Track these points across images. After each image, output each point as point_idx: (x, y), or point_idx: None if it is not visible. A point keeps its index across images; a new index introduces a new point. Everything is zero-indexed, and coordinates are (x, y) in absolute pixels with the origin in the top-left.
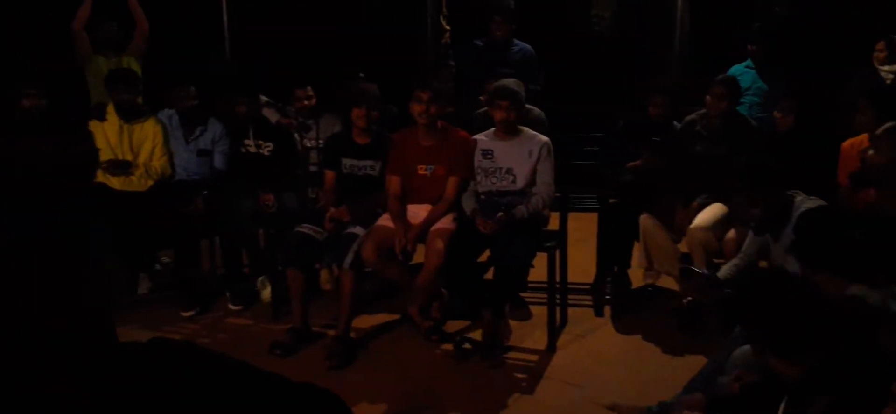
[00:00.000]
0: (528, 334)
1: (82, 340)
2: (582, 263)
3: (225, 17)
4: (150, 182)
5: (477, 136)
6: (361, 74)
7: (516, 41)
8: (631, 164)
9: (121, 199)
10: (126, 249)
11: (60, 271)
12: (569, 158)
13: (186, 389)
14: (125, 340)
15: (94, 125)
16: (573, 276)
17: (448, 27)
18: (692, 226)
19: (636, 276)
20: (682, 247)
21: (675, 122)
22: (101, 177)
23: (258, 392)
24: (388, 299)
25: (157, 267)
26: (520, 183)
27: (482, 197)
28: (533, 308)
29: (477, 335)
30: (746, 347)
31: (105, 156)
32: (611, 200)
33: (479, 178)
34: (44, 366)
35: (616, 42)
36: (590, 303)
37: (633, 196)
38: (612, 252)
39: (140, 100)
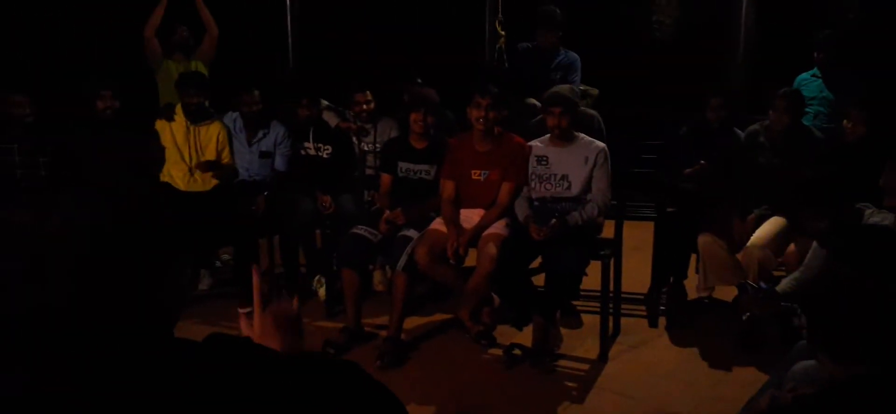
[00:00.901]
0: (580, 343)
1: (145, 336)
2: (636, 273)
3: (289, 23)
4: (214, 182)
5: (532, 143)
6: (419, 79)
7: (562, 49)
8: (688, 171)
9: (185, 197)
10: (188, 245)
11: (130, 269)
12: (626, 165)
13: (242, 385)
14: (184, 336)
15: (161, 125)
16: (627, 285)
17: (503, 32)
18: (750, 243)
19: (693, 286)
20: (740, 257)
21: (736, 130)
22: (165, 176)
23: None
24: (439, 302)
25: (218, 264)
26: (575, 190)
27: (536, 203)
28: (585, 317)
29: (527, 342)
30: (807, 362)
31: (171, 155)
32: (668, 209)
33: (533, 184)
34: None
35: (677, 47)
36: (644, 313)
37: (691, 205)
38: (669, 262)
39: (207, 103)
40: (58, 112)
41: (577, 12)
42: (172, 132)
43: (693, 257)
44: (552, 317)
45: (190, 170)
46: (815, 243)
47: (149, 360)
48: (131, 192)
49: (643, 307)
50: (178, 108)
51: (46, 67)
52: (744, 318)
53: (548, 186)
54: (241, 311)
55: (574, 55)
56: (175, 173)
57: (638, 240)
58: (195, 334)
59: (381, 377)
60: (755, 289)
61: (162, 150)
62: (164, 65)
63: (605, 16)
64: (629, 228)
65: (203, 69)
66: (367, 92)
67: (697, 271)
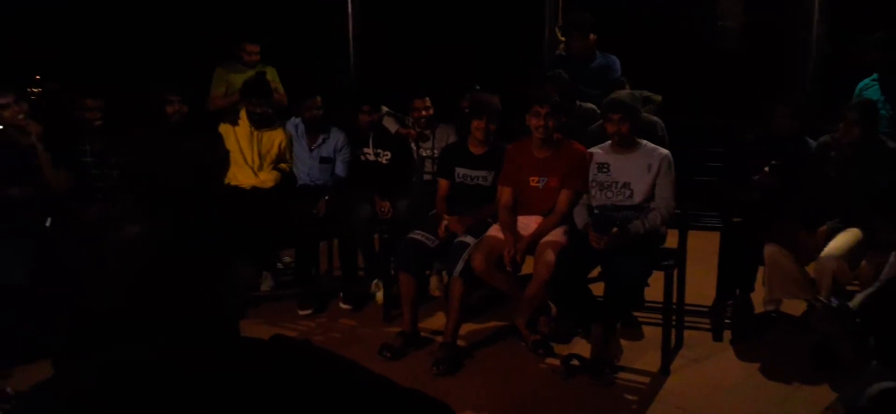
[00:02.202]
0: (640, 355)
1: (212, 335)
2: (700, 284)
3: (350, 30)
4: (278, 178)
5: (593, 150)
6: (477, 86)
7: (598, 53)
8: (756, 178)
9: (249, 199)
10: (252, 248)
11: (197, 269)
12: (690, 174)
13: (302, 386)
14: (247, 336)
15: (225, 129)
16: (691, 297)
17: (563, 38)
18: (823, 254)
19: (759, 300)
20: (810, 270)
21: (807, 139)
22: (230, 178)
23: (368, 395)
24: (495, 310)
25: (280, 266)
26: (637, 198)
27: (596, 211)
28: (646, 329)
29: (585, 352)
30: (883, 384)
31: (235, 158)
32: (735, 219)
33: (593, 191)
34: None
35: (743, 53)
36: (708, 326)
37: (758, 216)
38: (735, 274)
39: (271, 111)
40: (128, 116)
41: (641, 17)
42: (236, 136)
43: (760, 269)
44: (612, 327)
45: (254, 172)
46: (893, 255)
47: (216, 355)
48: (197, 194)
49: (707, 320)
50: (242, 113)
51: (118, 72)
52: (814, 334)
53: (609, 194)
54: (300, 312)
55: (612, 58)
56: (240, 176)
57: (702, 250)
58: (258, 334)
59: (436, 383)
60: (826, 304)
61: (227, 153)
62: (229, 78)
63: (669, 20)
64: (693, 238)
65: (272, 72)
66: (426, 98)
67: (764, 284)
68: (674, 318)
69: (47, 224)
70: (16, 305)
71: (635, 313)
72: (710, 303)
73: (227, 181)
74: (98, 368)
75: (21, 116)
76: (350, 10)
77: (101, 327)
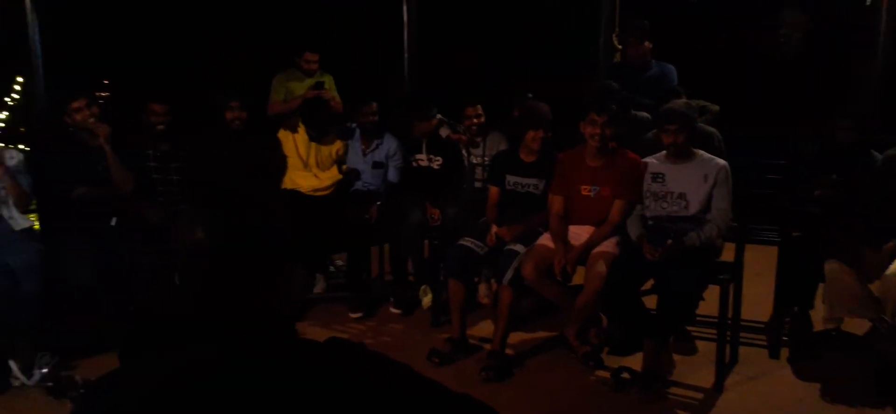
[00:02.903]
0: (693, 371)
1: (271, 336)
2: (757, 300)
3: (406, 37)
4: (337, 179)
5: (647, 159)
6: (529, 94)
7: (654, 61)
8: (818, 191)
9: (305, 203)
10: (307, 251)
11: (256, 271)
12: (747, 186)
13: (357, 388)
14: (302, 338)
15: (284, 135)
16: (747, 312)
17: (620, 47)
18: (889, 271)
19: (819, 317)
20: (874, 288)
21: (872, 151)
22: (288, 182)
23: (421, 398)
24: (545, 319)
25: (332, 269)
26: (693, 209)
27: (650, 222)
28: (700, 343)
29: (637, 366)
30: None
31: (294, 163)
32: (794, 234)
33: (647, 202)
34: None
35: (805, 62)
36: (764, 343)
37: (818, 230)
38: (793, 290)
39: (326, 128)
40: (190, 122)
41: (699, 26)
42: (295, 142)
43: (820, 286)
44: (664, 341)
45: (314, 174)
46: None
47: (276, 356)
48: (256, 198)
49: (764, 337)
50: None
51: (182, 79)
52: (878, 356)
53: (663, 205)
54: (351, 315)
55: (669, 67)
56: (298, 180)
57: (760, 265)
58: (310, 335)
59: (484, 391)
60: (892, 325)
61: (284, 158)
62: (289, 86)
63: (728, 30)
64: (751, 252)
65: (330, 82)
66: (478, 106)
67: (824, 301)
68: (729, 333)
69: (112, 223)
70: (82, 301)
71: (689, 327)
72: (766, 319)
73: (285, 185)
74: (163, 366)
75: (91, 119)
76: (406, 17)
77: (165, 326)
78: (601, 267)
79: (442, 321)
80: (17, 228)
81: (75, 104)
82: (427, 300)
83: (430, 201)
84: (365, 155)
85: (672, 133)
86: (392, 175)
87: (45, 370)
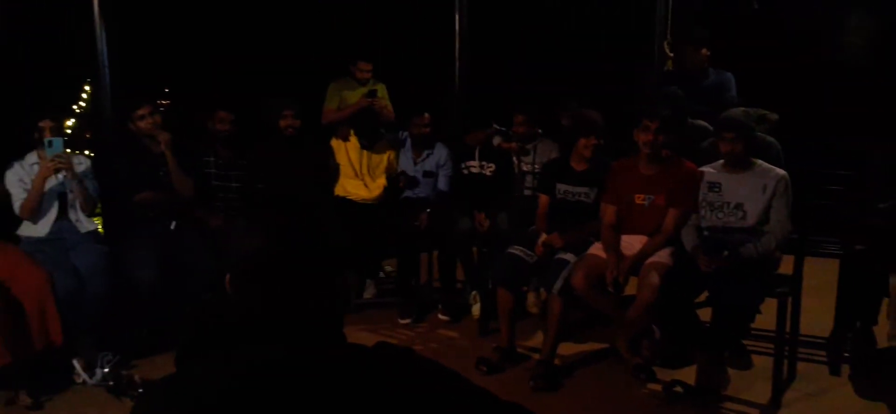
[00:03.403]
0: (749, 386)
1: (323, 340)
2: (817, 314)
3: (457, 46)
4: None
5: (704, 168)
6: (577, 102)
7: (712, 69)
8: (883, 205)
9: (356, 210)
10: (357, 256)
11: (310, 276)
12: (808, 196)
13: (407, 393)
14: (351, 342)
15: (336, 143)
16: (806, 327)
17: (671, 54)
18: None
19: (883, 334)
20: None
21: None
22: (340, 189)
23: (471, 404)
24: (595, 330)
25: (382, 275)
26: (750, 220)
27: (705, 233)
28: (756, 358)
29: (690, 379)
30: None
31: (345, 171)
32: (857, 247)
33: (703, 212)
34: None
35: (871, 69)
36: (824, 359)
37: (883, 243)
38: (856, 305)
39: (378, 136)
40: (248, 129)
41: (758, 33)
42: (347, 150)
43: (884, 301)
44: (719, 355)
45: (364, 184)
46: None
47: (328, 360)
48: (310, 204)
49: (824, 353)
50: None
51: (240, 87)
52: None
53: (720, 215)
54: (401, 320)
55: (727, 75)
56: (349, 187)
57: (820, 278)
58: (360, 340)
59: (532, 401)
60: None
61: (337, 166)
62: (343, 94)
63: (788, 36)
64: (810, 265)
65: (382, 90)
66: (526, 114)
67: (889, 317)
68: (787, 348)
69: (172, 227)
70: (142, 302)
71: (745, 341)
72: (826, 334)
73: (336, 192)
74: (220, 370)
75: (154, 127)
76: (457, 26)
77: (222, 329)
78: (654, 278)
79: (490, 329)
80: (83, 230)
81: (139, 111)
82: (476, 308)
83: (479, 209)
84: (416, 164)
85: (730, 142)
86: (442, 183)
87: (106, 369)
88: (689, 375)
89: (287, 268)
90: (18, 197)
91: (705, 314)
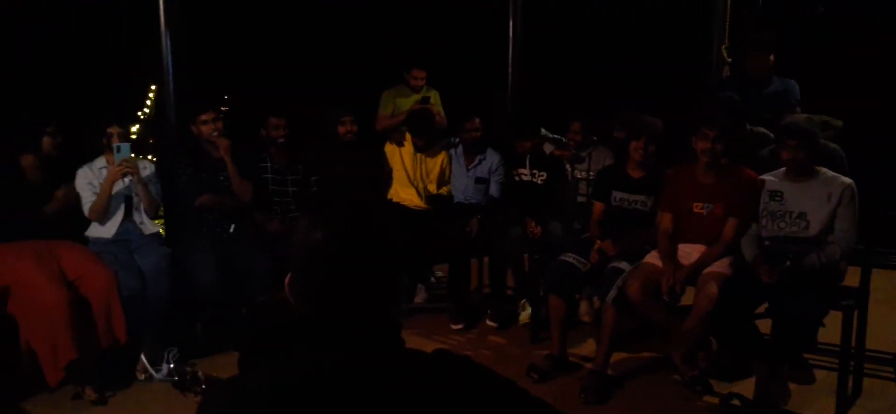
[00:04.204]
0: (811, 401)
1: (382, 344)
2: (884, 328)
3: (511, 53)
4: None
5: (765, 176)
6: (631, 109)
7: (775, 76)
8: None
9: (408, 215)
10: (409, 261)
11: (367, 279)
12: (875, 206)
13: (467, 401)
14: (409, 347)
15: (390, 149)
16: (872, 342)
17: (729, 59)
18: None
19: None
20: None
21: None
22: (394, 195)
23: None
24: (649, 340)
25: (433, 280)
26: (813, 229)
27: (766, 243)
28: (818, 373)
29: (748, 393)
30: None
31: (399, 176)
32: None
33: (764, 221)
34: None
35: None
36: (892, 375)
37: None
38: None
39: (431, 140)
40: (306, 135)
41: (823, 37)
42: (401, 156)
43: None
44: (779, 368)
45: (418, 192)
46: None
47: (388, 365)
48: (369, 206)
49: (891, 368)
50: (408, 135)
51: (296, 94)
52: None
53: (781, 225)
54: (453, 326)
55: (791, 83)
56: (403, 193)
57: (887, 291)
58: (413, 345)
59: (583, 411)
60: None
61: (390, 171)
62: (397, 101)
63: (854, 40)
64: (878, 278)
65: (436, 97)
66: (582, 121)
67: None
68: (852, 363)
69: (231, 230)
70: (202, 302)
71: (806, 355)
72: (894, 349)
73: (390, 197)
74: (284, 372)
75: (215, 133)
76: (511, 32)
77: (282, 331)
78: (712, 288)
79: (541, 337)
80: (147, 232)
81: (203, 116)
82: (525, 315)
83: (531, 216)
84: (468, 170)
85: (792, 149)
86: (494, 190)
87: (171, 365)
88: (747, 388)
89: (346, 268)
90: (87, 200)
91: (765, 326)
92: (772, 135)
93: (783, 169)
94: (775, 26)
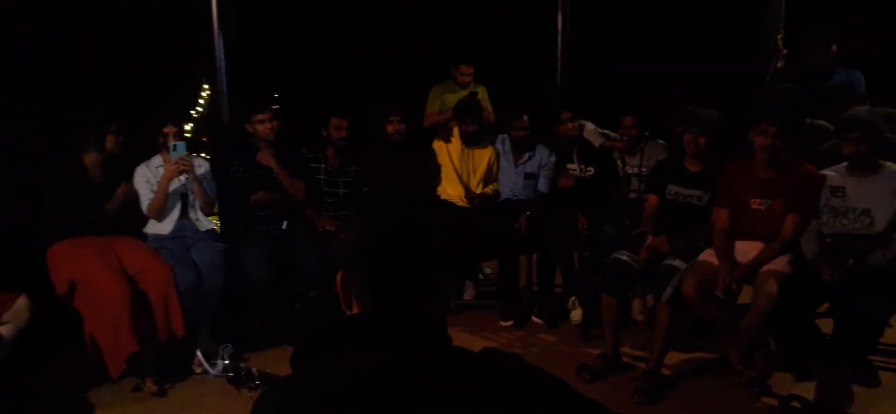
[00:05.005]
0: (875, 404)
1: (431, 342)
2: None
3: (559, 48)
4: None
5: (826, 172)
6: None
7: (839, 67)
8: None
9: (456, 211)
10: (457, 258)
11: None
12: None
13: (516, 400)
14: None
15: (438, 146)
16: None
17: (785, 50)
18: None
19: None
20: None
21: None
22: (442, 192)
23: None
24: (705, 340)
25: (481, 277)
26: (878, 226)
27: (828, 240)
28: (884, 375)
29: (808, 395)
30: None
31: (447, 173)
32: None
33: (825, 218)
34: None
35: None
36: None
37: None
38: None
39: (481, 129)
40: (357, 134)
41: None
42: (449, 152)
43: None
44: (841, 370)
45: (466, 189)
46: None
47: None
48: (417, 205)
49: None
50: (455, 131)
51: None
52: None
53: (844, 222)
54: (502, 323)
55: (857, 74)
56: (450, 190)
57: None
58: (461, 342)
59: (637, 412)
60: None
61: (438, 168)
62: (444, 98)
63: None
64: None
65: (483, 92)
66: (633, 116)
67: None
68: None
69: (283, 227)
70: (255, 297)
71: (871, 357)
72: None
73: (438, 194)
74: (336, 372)
75: (271, 132)
76: (560, 26)
77: (334, 330)
78: (771, 286)
79: (591, 336)
80: (203, 229)
81: (259, 116)
82: (577, 314)
83: (580, 212)
84: (516, 167)
85: (854, 142)
86: (542, 185)
87: (226, 361)
88: (808, 390)
89: (394, 267)
90: (146, 197)
91: (826, 326)
92: (832, 128)
93: (845, 163)
94: (837, 17)
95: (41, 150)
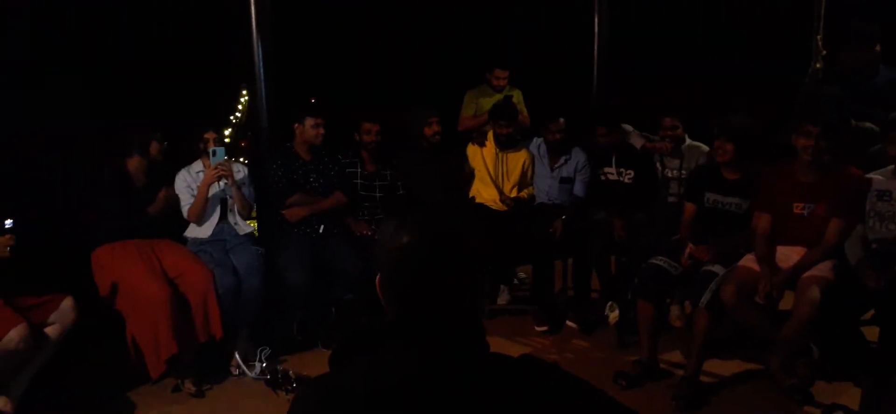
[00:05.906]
0: None
1: (468, 346)
2: None
3: (596, 52)
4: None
5: (871, 175)
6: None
7: (883, 67)
8: None
9: (491, 215)
10: (492, 262)
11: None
12: None
13: (554, 408)
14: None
15: (472, 150)
16: None
17: (824, 50)
18: None
19: None
20: None
21: None
22: (477, 195)
23: None
24: (745, 347)
25: (516, 281)
26: None
27: (874, 246)
28: None
29: (853, 404)
30: None
31: (481, 177)
32: None
33: (871, 223)
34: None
35: None
36: None
37: None
38: None
39: (516, 133)
40: (394, 138)
41: None
42: (483, 156)
43: None
44: (887, 379)
45: (500, 192)
46: None
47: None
48: (450, 211)
49: None
50: (490, 135)
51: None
52: None
53: (891, 226)
54: (537, 328)
55: None
56: (484, 194)
57: None
58: (495, 346)
59: None
60: None
61: (472, 171)
62: (479, 101)
63: None
64: None
65: (518, 95)
66: (675, 118)
67: None
68: None
69: (320, 230)
70: (292, 300)
71: None
72: None
73: (472, 197)
74: (374, 374)
75: (318, 138)
76: (596, 30)
77: (372, 332)
78: (814, 293)
79: (629, 342)
80: (242, 232)
81: (311, 121)
82: (614, 315)
83: (617, 216)
84: (552, 170)
85: None
86: (578, 189)
87: (263, 364)
88: (852, 400)
89: (430, 271)
90: (186, 202)
91: (871, 334)
92: (878, 130)
93: (892, 166)
94: (879, 14)
95: (87, 155)
